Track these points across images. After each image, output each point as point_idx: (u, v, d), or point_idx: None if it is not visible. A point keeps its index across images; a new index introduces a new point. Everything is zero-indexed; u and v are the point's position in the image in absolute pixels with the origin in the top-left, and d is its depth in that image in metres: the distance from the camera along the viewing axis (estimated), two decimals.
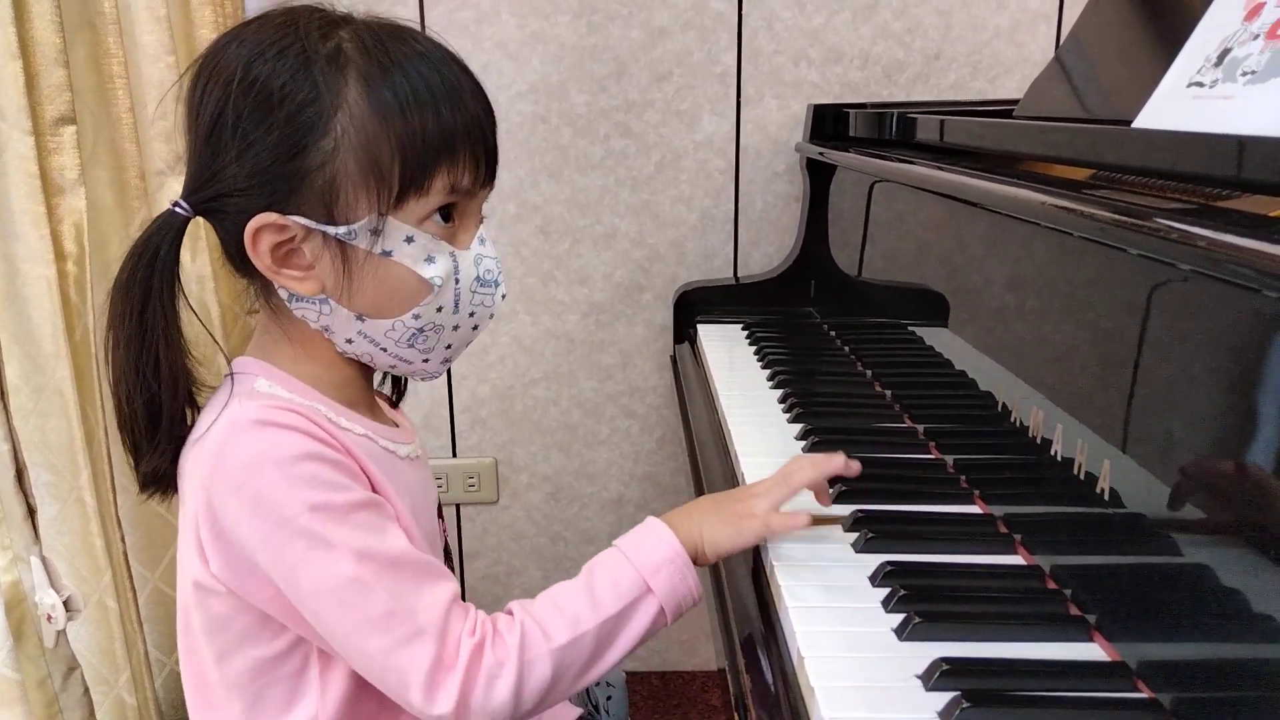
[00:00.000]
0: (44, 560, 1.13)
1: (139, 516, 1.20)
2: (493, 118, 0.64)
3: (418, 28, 0.63)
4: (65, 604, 1.14)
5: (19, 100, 0.99)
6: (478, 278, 0.65)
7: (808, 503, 0.74)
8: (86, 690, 1.19)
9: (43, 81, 1.02)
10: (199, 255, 1.19)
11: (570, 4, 1.38)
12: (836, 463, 0.71)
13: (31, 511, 1.12)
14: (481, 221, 0.66)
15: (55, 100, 1.04)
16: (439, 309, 0.64)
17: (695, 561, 0.67)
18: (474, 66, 1.50)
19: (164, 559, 1.23)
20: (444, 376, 1.52)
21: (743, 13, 1.38)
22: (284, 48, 0.59)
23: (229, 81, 0.59)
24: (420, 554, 0.62)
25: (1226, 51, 0.63)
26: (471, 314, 0.66)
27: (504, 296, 0.68)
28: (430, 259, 0.62)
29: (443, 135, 0.60)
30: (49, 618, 1.14)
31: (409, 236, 0.61)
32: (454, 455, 1.57)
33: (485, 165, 0.63)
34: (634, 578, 0.64)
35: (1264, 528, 0.45)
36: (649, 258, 1.48)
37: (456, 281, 0.64)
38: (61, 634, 1.16)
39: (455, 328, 0.66)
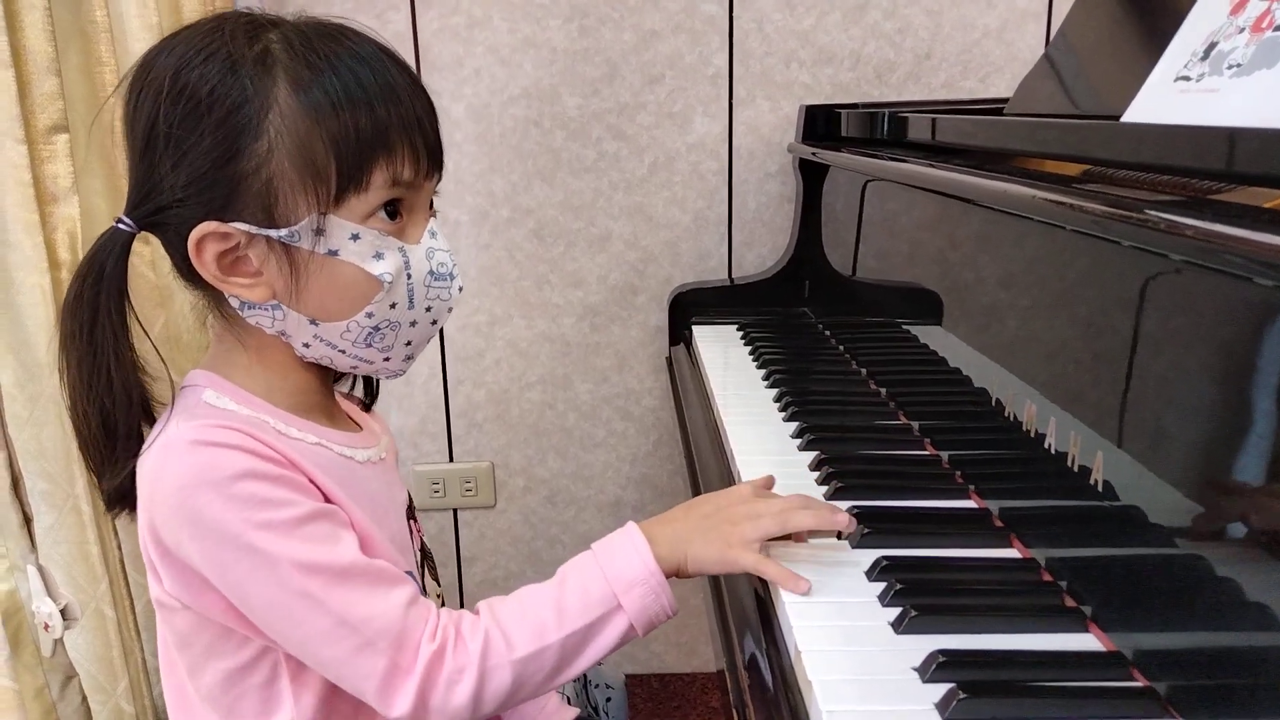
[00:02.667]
0: (40, 569, 1.13)
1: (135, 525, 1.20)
2: (432, 110, 0.63)
3: (359, 28, 0.63)
4: (62, 612, 1.14)
5: (11, 109, 0.99)
6: (430, 271, 0.64)
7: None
8: (85, 699, 1.19)
9: (35, 90, 1.03)
10: None
11: (561, 8, 1.38)
12: (840, 522, 0.67)
13: (28, 520, 1.12)
14: (434, 215, 0.66)
15: (48, 109, 1.04)
16: (392, 305, 0.63)
17: (676, 574, 0.65)
18: (465, 72, 1.51)
19: None
20: (440, 382, 1.53)
21: (733, 15, 1.39)
22: (210, 53, 0.58)
23: (159, 92, 0.58)
24: (372, 561, 0.61)
25: (1213, 45, 0.63)
26: (428, 309, 0.65)
27: (460, 289, 0.67)
28: (379, 255, 0.61)
29: (376, 130, 0.59)
30: (46, 626, 1.14)
31: (354, 234, 0.60)
32: (450, 460, 1.57)
33: (426, 157, 0.62)
34: (604, 591, 0.63)
35: (1257, 517, 0.46)
36: (643, 260, 1.49)
37: (408, 277, 0.63)
38: (59, 642, 1.16)
39: (413, 324, 0.65)
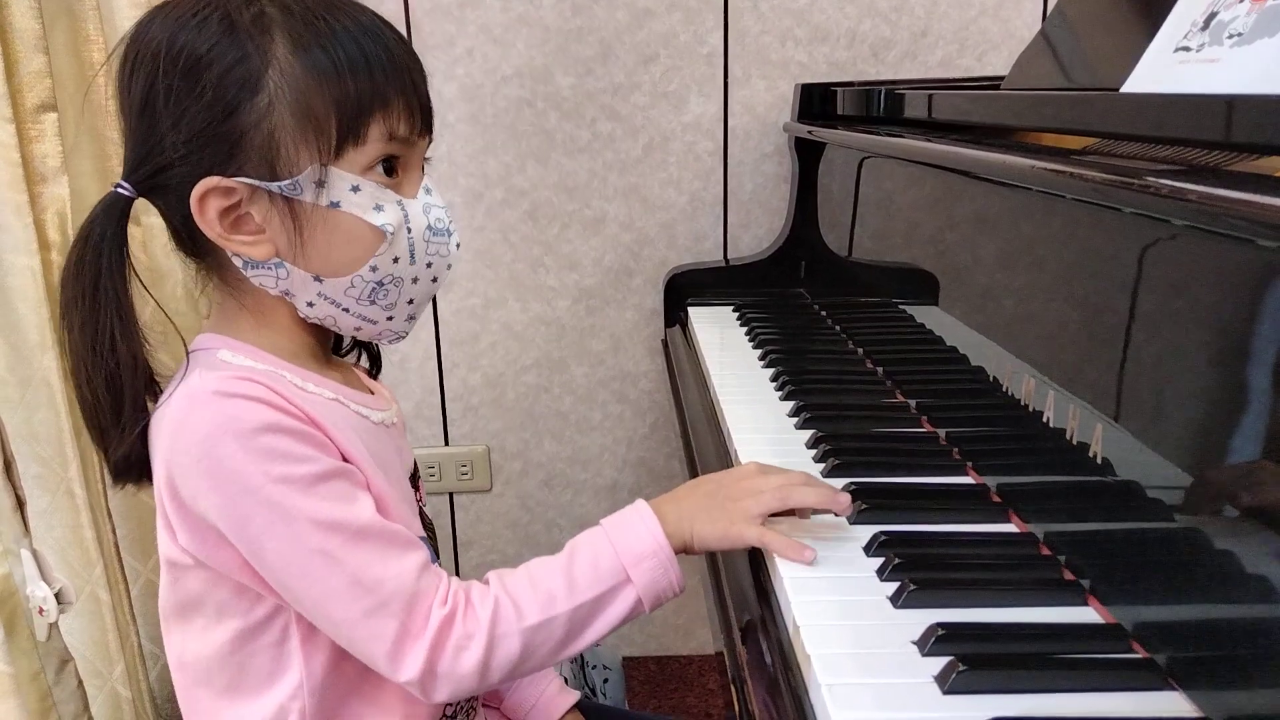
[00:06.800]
0: (34, 553, 1.13)
1: (130, 508, 1.19)
2: (421, 68, 0.64)
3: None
4: (57, 596, 1.14)
5: None
6: (429, 226, 0.65)
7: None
8: (80, 683, 1.18)
9: (22, 68, 1.01)
10: None
11: None
12: (840, 503, 0.67)
13: (21, 504, 1.12)
14: (424, 174, 0.66)
15: (35, 87, 1.02)
16: (395, 259, 0.64)
17: (684, 551, 0.66)
18: (458, 51, 1.50)
19: (155, 551, 1.23)
20: (434, 365, 1.52)
21: None
22: (206, 16, 0.59)
23: (156, 55, 0.59)
24: (388, 524, 0.61)
25: (1213, 15, 0.62)
26: (429, 264, 0.66)
27: (459, 246, 0.68)
28: (379, 207, 0.62)
29: (374, 84, 0.60)
30: (41, 610, 1.14)
31: (355, 185, 0.61)
32: (446, 444, 1.57)
33: (420, 114, 0.63)
34: (614, 564, 0.63)
35: (1255, 490, 0.45)
36: (638, 241, 1.48)
37: (409, 230, 0.64)
38: (54, 627, 1.15)
39: (414, 279, 0.66)
